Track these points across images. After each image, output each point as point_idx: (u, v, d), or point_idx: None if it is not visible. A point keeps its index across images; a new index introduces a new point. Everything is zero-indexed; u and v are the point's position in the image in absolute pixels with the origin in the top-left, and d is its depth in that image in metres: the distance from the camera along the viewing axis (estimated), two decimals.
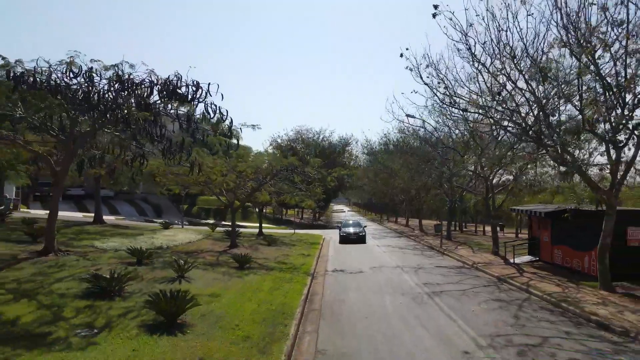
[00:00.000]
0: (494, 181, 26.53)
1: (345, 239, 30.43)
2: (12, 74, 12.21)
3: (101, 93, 12.88)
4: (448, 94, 14.77)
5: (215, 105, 15.47)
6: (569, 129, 14.64)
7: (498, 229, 42.26)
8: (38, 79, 12.33)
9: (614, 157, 13.46)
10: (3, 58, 12.98)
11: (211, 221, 42.00)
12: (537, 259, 20.78)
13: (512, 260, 20.86)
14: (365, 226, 34.89)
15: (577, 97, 14.07)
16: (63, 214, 34.33)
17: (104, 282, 11.01)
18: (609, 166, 13.85)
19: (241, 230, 30.57)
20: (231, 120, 16.27)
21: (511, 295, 13.83)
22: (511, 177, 26.04)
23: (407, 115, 25.83)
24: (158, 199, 46.30)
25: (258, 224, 35.03)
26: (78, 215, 35.44)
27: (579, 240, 17.13)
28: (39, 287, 11.14)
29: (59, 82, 12.65)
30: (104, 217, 30.28)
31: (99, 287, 10.99)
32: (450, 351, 8.42)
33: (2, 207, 33.99)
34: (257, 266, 17.19)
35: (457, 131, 24.93)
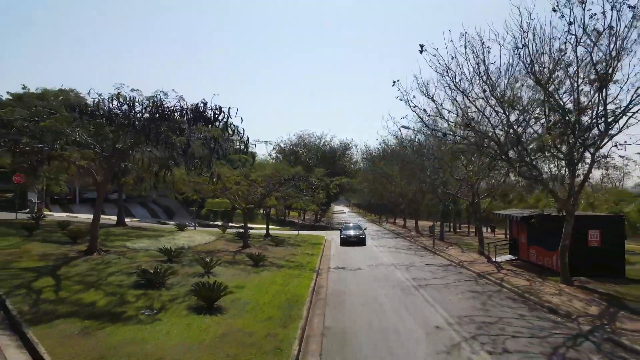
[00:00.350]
0: (483, 186, 29.15)
1: (346, 242, 31.69)
2: (76, 107, 14.79)
3: (142, 120, 15.45)
4: (431, 121, 17.38)
5: (235, 126, 18.15)
6: (534, 149, 17.22)
7: (489, 230, 44.94)
8: (94, 110, 14.91)
9: (570, 172, 16.04)
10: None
11: (219, 223, 44.60)
12: (516, 257, 23.37)
13: (494, 259, 23.45)
14: (365, 229, 36.53)
15: (542, 121, 16.70)
16: (84, 217, 36.94)
17: (150, 276, 13.63)
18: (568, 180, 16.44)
19: (249, 231, 33.16)
20: (247, 138, 18.95)
21: (485, 288, 16.42)
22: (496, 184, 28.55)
23: (402, 127, 28.46)
24: (168, 202, 48.87)
25: (264, 226, 37.61)
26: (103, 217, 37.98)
27: (549, 242, 19.71)
28: (98, 280, 13.75)
29: (110, 111, 15.19)
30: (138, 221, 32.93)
31: (146, 280, 13.60)
32: (426, 326, 11.03)
33: (27, 210, 36.72)
34: (269, 264, 19.77)
35: (443, 147, 27.56)
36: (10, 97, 60.91)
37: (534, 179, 16.59)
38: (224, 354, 8.51)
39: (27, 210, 36.67)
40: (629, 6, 12.92)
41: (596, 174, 40.96)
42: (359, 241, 31.71)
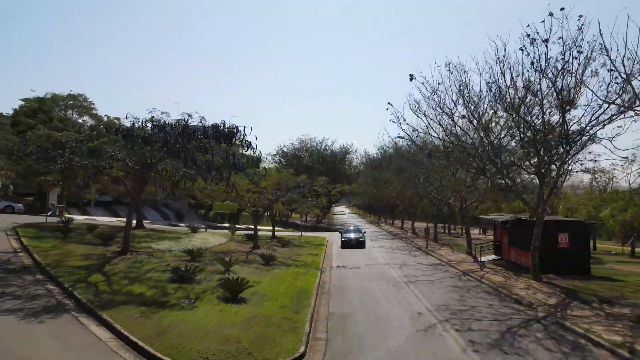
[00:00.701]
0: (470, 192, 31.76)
1: (347, 244, 32.84)
2: (119, 131, 17.43)
3: (172, 140, 18.08)
4: (420, 139, 20.03)
5: (249, 142, 20.82)
6: (508, 163, 19.86)
7: (481, 231, 47.51)
8: (133, 133, 17.56)
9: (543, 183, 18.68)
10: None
11: (227, 225, 47.25)
12: (500, 257, 26.02)
13: (479, 259, 26.08)
14: (364, 232, 37.33)
15: (517, 138, 19.35)
16: (102, 219, 39.60)
17: (182, 273, 16.26)
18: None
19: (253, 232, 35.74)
20: (260, 153, 21.64)
21: (466, 284, 19.05)
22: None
23: (398, 137, 31.12)
24: (178, 204, 51.54)
25: (269, 227, 40.24)
26: (113, 220, 40.61)
27: (524, 243, 22.31)
28: (138, 275, 16.39)
29: (146, 133, 17.80)
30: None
31: (178, 276, 16.23)
32: (410, 312, 13.67)
33: (50, 213, 39.36)
34: (279, 263, 22.38)
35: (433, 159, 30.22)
36: (24, 103, 63.77)
37: (509, 189, 19.21)
38: (253, 331, 11.12)
39: (50, 213, 39.34)
40: (578, 51, 15.54)
41: (585, 178, 43.65)
42: (359, 244, 32.93)
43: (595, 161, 19.34)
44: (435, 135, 22.04)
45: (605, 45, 14.54)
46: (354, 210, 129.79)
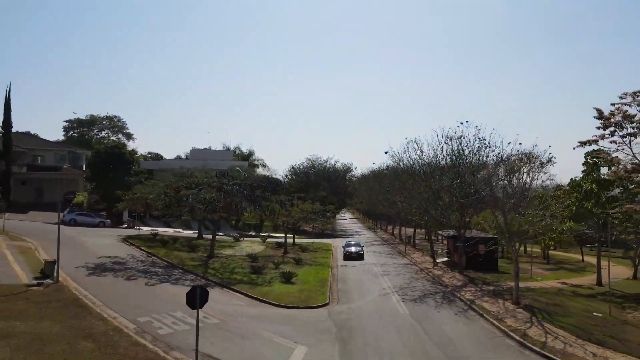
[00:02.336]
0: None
1: (348, 257, 39.76)
2: (216, 187, 30.29)
3: (245, 191, 30.94)
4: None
5: (286, 188, 33.83)
6: (443, 205, 32.78)
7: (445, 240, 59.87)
8: (223, 187, 30.46)
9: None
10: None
11: (253, 233, 60.00)
12: (449, 259, 38.87)
13: (436, 260, 38.90)
14: (363, 246, 43.88)
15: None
16: (164, 230, 52.38)
17: (256, 268, 29.16)
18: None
19: (275, 240, 48.52)
20: (294, 193, 34.62)
21: (418, 275, 31.93)
22: None
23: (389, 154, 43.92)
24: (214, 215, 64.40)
25: (287, 235, 52.99)
26: (169, 230, 53.36)
27: (458, 250, 35.18)
28: (231, 269, 29.29)
29: (231, 187, 30.61)
30: (184, 231, 48.41)
31: (253, 269, 29.12)
32: (379, 288, 26.63)
33: (125, 226, 52.24)
34: (305, 263, 35.18)
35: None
36: (68, 124, 77.19)
37: (444, 219, 32.15)
38: (303, 295, 23.97)
39: (125, 226, 52.28)
40: (482, 144, 28.43)
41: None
42: (359, 256, 40.08)
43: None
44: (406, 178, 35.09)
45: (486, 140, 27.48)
46: (354, 215, 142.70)
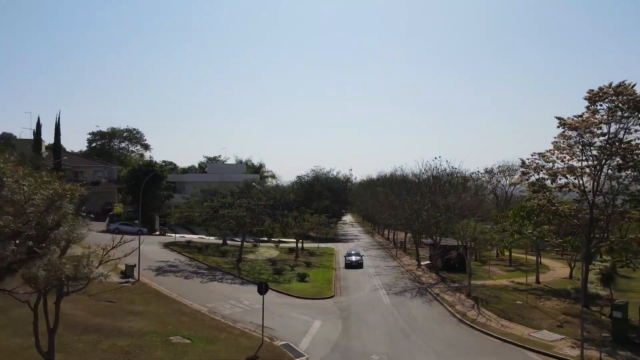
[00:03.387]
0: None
1: (349, 265, 44.91)
2: (245, 207, 39.13)
3: (269, 211, 39.76)
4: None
5: (298, 205, 42.66)
6: (427, 219, 41.54)
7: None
8: (248, 206, 39.29)
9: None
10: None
11: (265, 238, 68.77)
12: (430, 262, 47.63)
13: (419, 263, 47.68)
14: (363, 255, 48.68)
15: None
16: (190, 236, 61.16)
17: (277, 270, 38.01)
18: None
19: (286, 245, 57.31)
20: (305, 209, 43.51)
21: (403, 275, 40.75)
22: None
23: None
24: None
25: (297, 240, 61.78)
26: (195, 237, 62.08)
27: (435, 255, 43.95)
28: (258, 271, 38.13)
29: (256, 207, 39.45)
30: (206, 237, 57.21)
31: (275, 271, 37.95)
32: (371, 285, 35.48)
33: (158, 233, 61.10)
34: (314, 265, 43.99)
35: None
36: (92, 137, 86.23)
37: (423, 231, 40.98)
38: (315, 290, 32.80)
39: (158, 233, 61.11)
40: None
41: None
42: (359, 265, 45.28)
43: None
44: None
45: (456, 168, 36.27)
46: (354, 218, 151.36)
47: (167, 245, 47.14)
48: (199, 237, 61.65)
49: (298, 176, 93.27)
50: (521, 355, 20.00)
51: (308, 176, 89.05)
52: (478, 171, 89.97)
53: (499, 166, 78.99)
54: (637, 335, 21.36)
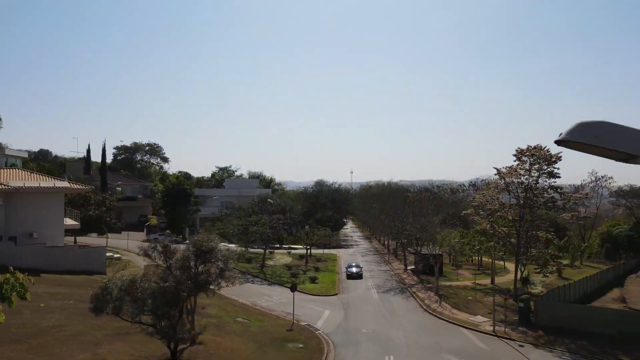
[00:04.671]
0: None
1: (350, 276, 51.23)
2: (267, 225, 50.42)
3: (285, 227, 51.15)
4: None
5: (310, 223, 54.15)
6: (412, 233, 52.80)
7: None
8: (269, 224, 50.66)
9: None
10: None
11: (277, 245, 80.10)
12: (415, 267, 58.95)
13: (406, 268, 58.94)
14: (362, 267, 55.02)
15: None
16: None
17: (293, 274, 49.39)
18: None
19: (296, 251, 68.59)
20: (310, 222, 55.09)
21: (392, 278, 52.13)
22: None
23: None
24: None
25: (298, 245, 73.17)
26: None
27: (419, 261, 55.22)
28: (279, 275, 49.53)
29: (277, 224, 50.77)
30: (228, 244, 68.56)
31: (292, 274, 49.33)
32: (365, 285, 46.91)
33: (188, 242, 72.43)
34: (321, 270, 55.31)
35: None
36: (117, 151, 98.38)
37: (408, 243, 52.40)
38: (324, 289, 44.18)
39: (188, 242, 72.43)
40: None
41: None
42: (359, 276, 51.57)
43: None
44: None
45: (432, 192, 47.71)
46: (355, 223, 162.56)
47: None
48: (223, 245, 73.02)
49: (304, 188, 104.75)
50: (458, 330, 31.34)
51: (313, 188, 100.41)
52: (463, 184, 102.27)
53: (482, 180, 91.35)
54: (535, 319, 32.68)
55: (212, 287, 19.61)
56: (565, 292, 36.83)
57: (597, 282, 45.86)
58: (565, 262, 58.14)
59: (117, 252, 50.24)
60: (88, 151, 70.94)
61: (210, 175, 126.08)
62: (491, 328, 31.03)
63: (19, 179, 38.11)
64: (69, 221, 41.32)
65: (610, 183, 78.24)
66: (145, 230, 74.34)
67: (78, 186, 41.51)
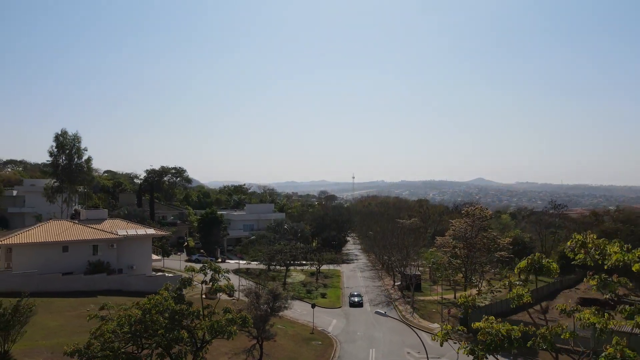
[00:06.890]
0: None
1: (352, 305, 59.37)
2: (279, 251, 67.51)
3: (291, 251, 68.38)
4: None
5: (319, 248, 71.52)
6: (399, 258, 69.79)
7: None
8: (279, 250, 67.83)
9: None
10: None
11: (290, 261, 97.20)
12: (401, 283, 75.89)
13: (395, 284, 75.86)
14: (363, 297, 62.62)
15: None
16: (235, 261, 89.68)
17: (308, 290, 66.58)
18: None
19: (306, 267, 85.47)
20: (318, 240, 72.51)
21: (382, 292, 69.25)
22: None
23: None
24: None
25: (312, 263, 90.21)
26: (242, 262, 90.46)
27: (407, 279, 72.15)
28: (298, 291, 66.73)
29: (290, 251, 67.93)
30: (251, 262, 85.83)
31: (307, 291, 66.49)
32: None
33: (221, 261, 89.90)
34: (329, 286, 72.35)
35: None
36: (147, 175, 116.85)
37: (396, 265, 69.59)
38: (331, 303, 61.28)
39: (220, 260, 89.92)
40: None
41: None
42: (360, 304, 59.90)
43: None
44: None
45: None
46: (356, 238, 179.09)
47: (235, 272, 75.72)
48: (246, 262, 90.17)
49: (311, 206, 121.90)
50: (419, 333, 48.41)
51: (319, 209, 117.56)
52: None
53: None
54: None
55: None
56: (500, 305, 53.82)
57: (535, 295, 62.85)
58: (516, 280, 74.94)
59: (175, 272, 67.37)
60: (140, 186, 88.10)
61: (224, 188, 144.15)
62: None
63: (121, 228, 55.44)
64: (154, 257, 58.61)
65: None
66: (184, 251, 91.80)
67: (161, 232, 58.76)
